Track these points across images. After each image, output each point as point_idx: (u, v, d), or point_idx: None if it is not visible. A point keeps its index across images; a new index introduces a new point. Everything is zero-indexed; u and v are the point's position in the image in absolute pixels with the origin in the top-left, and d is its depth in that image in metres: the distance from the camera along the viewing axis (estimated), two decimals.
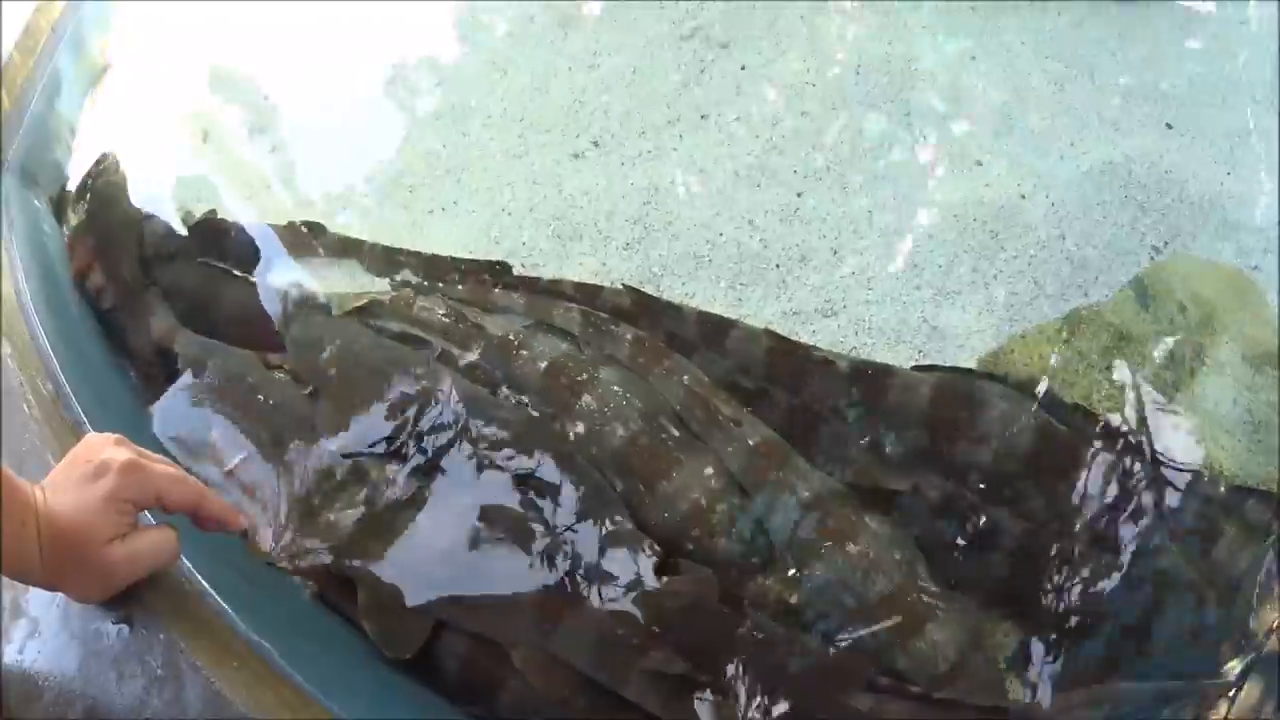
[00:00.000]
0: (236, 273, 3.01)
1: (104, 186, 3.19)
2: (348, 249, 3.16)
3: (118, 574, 2.03)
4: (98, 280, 2.96)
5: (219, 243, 3.11)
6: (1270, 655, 2.27)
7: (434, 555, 2.45)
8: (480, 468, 2.55)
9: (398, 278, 3.06)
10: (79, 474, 1.97)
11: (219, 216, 3.20)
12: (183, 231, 3.15)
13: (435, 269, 3.08)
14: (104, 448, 2.02)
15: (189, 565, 2.18)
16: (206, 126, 3.51)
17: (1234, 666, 2.29)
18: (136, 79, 3.56)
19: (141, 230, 3.11)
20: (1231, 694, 2.23)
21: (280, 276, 3.02)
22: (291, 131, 3.52)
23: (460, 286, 3.00)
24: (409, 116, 3.59)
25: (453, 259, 3.10)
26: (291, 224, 3.19)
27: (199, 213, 3.20)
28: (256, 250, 3.08)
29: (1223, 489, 2.59)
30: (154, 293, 2.96)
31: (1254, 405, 2.78)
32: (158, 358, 2.85)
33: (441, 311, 2.87)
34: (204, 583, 2.17)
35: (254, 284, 2.98)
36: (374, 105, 3.61)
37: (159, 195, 3.21)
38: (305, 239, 3.15)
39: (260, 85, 3.62)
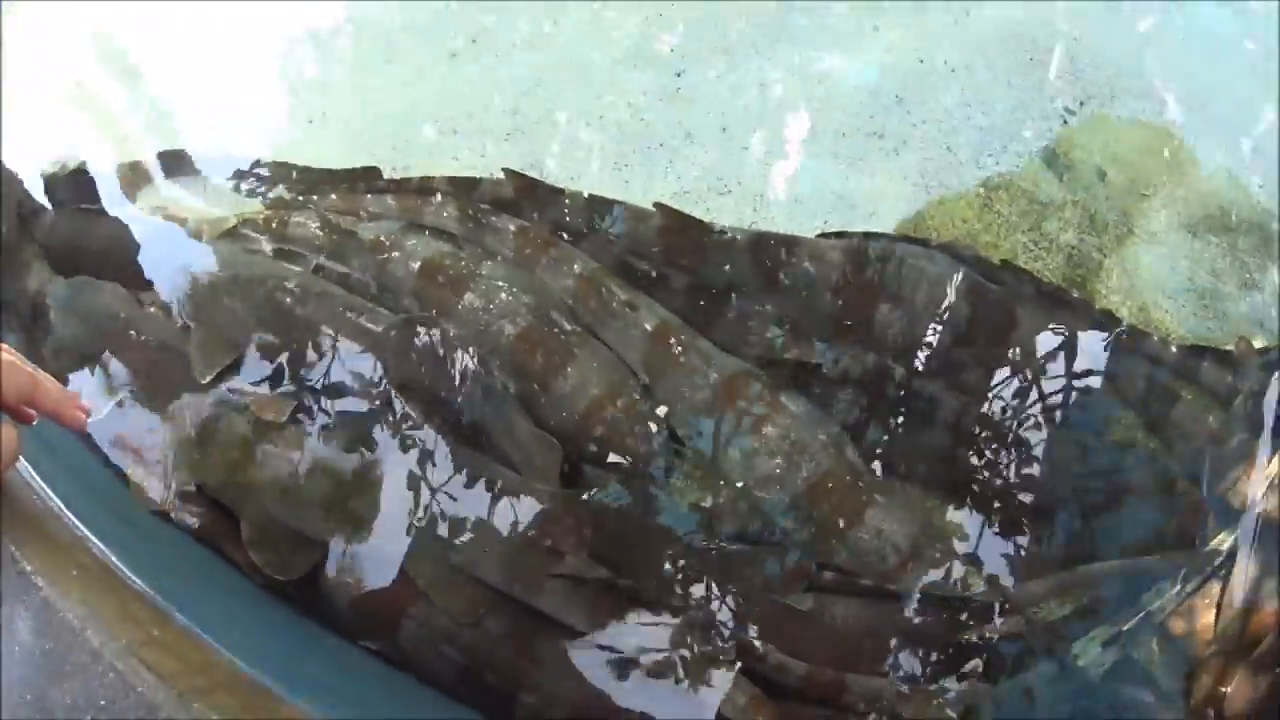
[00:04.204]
0: (107, 212, 2.84)
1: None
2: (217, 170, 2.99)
3: None
4: None
5: (90, 190, 2.92)
6: (1269, 528, 2.11)
7: (320, 477, 2.27)
8: (358, 382, 2.37)
9: (271, 195, 2.89)
10: None
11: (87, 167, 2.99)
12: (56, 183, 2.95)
13: (307, 181, 2.91)
14: None
15: (61, 505, 2.02)
16: (82, 83, 3.33)
17: (1221, 540, 2.14)
18: (21, 45, 3.37)
19: (18, 190, 2.90)
20: (1223, 572, 2.08)
21: (145, 208, 2.88)
22: (160, 67, 3.36)
23: (333, 197, 2.83)
24: (278, 38, 3.42)
25: (323, 170, 2.93)
26: (159, 154, 3.04)
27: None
28: (122, 189, 2.94)
29: (1174, 350, 2.45)
30: (31, 249, 2.79)
31: (1195, 274, 2.69)
32: (33, 310, 2.67)
33: (315, 225, 2.70)
34: (84, 529, 2.00)
35: (124, 224, 2.81)
36: (244, 32, 3.42)
37: (37, 155, 3.00)
38: (172, 168, 3.00)
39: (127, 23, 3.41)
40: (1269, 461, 2.23)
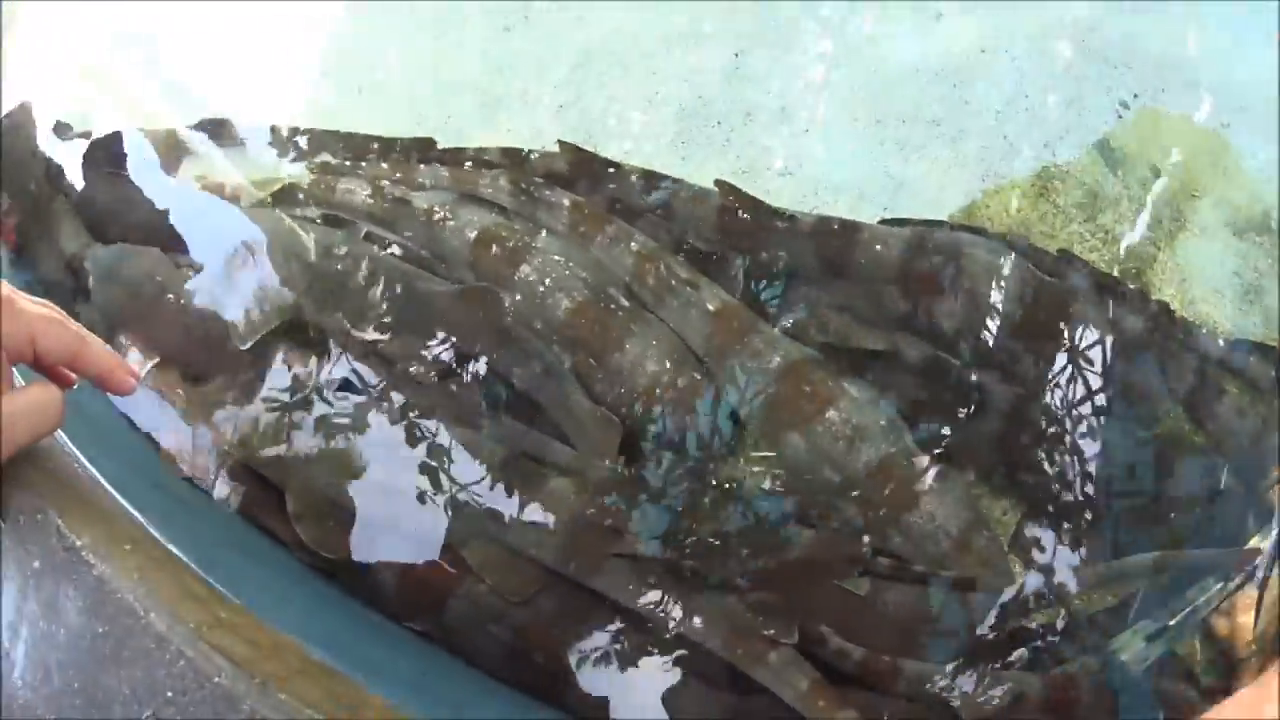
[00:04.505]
0: (133, 180, 2.79)
1: (10, 124, 2.97)
2: (258, 137, 2.93)
3: None
4: (6, 208, 2.79)
5: (124, 154, 2.88)
6: None
7: (370, 451, 2.25)
8: (412, 351, 2.35)
9: (316, 160, 2.84)
10: None
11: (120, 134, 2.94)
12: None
13: (355, 148, 2.87)
14: None
15: (97, 475, 1.90)
16: (107, 49, 3.28)
17: (1257, 542, 2.12)
18: (44, 19, 3.33)
19: (46, 156, 2.88)
20: (1260, 576, 2.07)
21: (186, 173, 2.84)
22: (193, 39, 3.28)
23: (383, 165, 2.79)
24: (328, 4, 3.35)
25: (372, 137, 2.89)
26: (201, 122, 2.98)
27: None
28: (161, 154, 2.88)
29: (1221, 343, 2.43)
30: (61, 206, 2.78)
31: (1242, 270, 2.66)
32: (68, 274, 2.65)
33: (365, 192, 2.67)
34: (115, 494, 1.89)
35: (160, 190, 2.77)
36: None
37: (66, 122, 3.00)
38: (214, 134, 2.95)
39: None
40: None
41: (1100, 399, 2.30)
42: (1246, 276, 2.65)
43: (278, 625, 1.78)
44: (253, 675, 1.62)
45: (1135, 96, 2.95)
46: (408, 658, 2.09)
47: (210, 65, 3.19)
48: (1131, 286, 2.50)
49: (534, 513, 2.15)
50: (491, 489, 2.18)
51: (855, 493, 2.16)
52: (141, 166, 2.83)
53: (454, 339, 2.35)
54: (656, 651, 2.05)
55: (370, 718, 1.71)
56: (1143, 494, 2.24)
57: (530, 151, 2.76)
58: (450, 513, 2.17)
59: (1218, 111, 2.95)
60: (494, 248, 2.46)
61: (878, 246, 2.47)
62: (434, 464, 2.22)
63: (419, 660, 2.10)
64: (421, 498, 2.18)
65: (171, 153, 2.91)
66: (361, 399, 2.30)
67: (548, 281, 2.39)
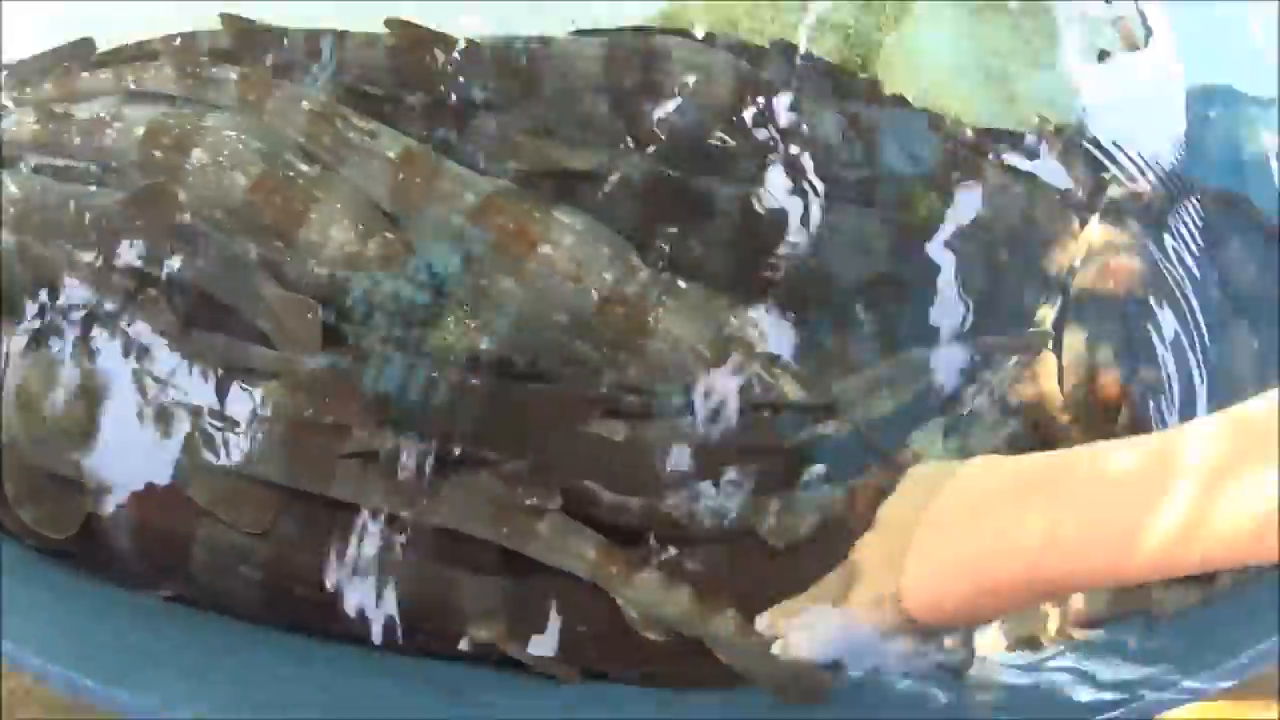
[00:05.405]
0: None
1: None
2: None
3: None
4: None
5: None
6: (1092, 299, 2.11)
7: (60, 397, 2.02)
8: (91, 275, 2.12)
9: None
10: None
11: None
12: None
13: (22, 76, 2.61)
14: None
15: None
16: None
17: (1044, 316, 2.11)
18: None
19: None
20: (1051, 346, 2.05)
21: None
22: None
23: (46, 86, 2.55)
24: None
25: (35, 57, 2.64)
26: None
27: None
28: None
29: (970, 133, 2.35)
30: None
31: (984, 56, 2.57)
32: None
33: (30, 119, 2.43)
34: None
35: None
36: None
37: None
38: None
39: None
40: (1084, 232, 2.21)
41: (838, 189, 2.22)
42: (992, 65, 2.56)
43: None
44: None
45: None
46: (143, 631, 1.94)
47: None
48: (861, 76, 2.42)
49: (247, 430, 1.97)
50: (197, 415, 1.99)
51: (589, 331, 2.04)
52: None
53: (134, 252, 2.13)
54: (421, 550, 1.91)
55: None
56: (904, 280, 2.17)
57: (193, 34, 2.55)
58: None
59: None
60: (163, 139, 2.25)
61: (572, 59, 2.33)
62: (141, 393, 2.02)
63: (153, 630, 1.95)
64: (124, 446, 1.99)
65: None
66: (58, 351, 2.08)
67: (221, 161, 2.19)
